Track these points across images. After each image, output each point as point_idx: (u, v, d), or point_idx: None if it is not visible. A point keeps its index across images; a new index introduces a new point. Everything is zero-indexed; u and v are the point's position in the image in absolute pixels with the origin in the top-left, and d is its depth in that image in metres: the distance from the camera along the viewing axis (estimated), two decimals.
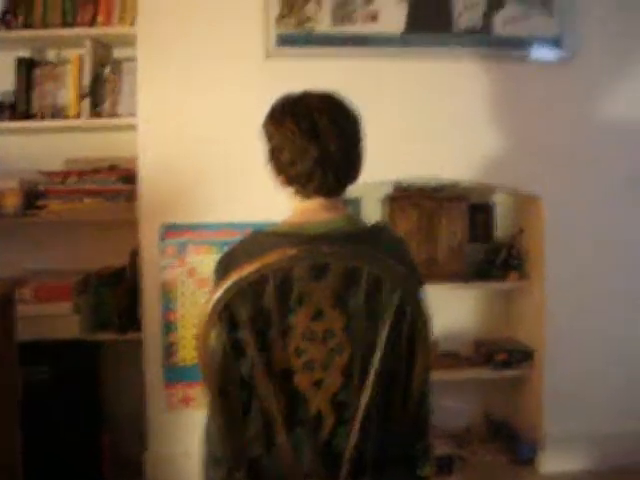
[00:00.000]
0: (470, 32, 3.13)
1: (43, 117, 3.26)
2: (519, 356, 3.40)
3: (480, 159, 3.18)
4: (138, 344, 3.14)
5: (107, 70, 3.26)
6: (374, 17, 3.08)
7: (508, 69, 3.17)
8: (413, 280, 1.62)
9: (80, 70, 3.24)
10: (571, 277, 3.25)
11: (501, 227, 3.64)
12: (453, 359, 3.48)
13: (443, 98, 3.14)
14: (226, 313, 1.54)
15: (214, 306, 1.53)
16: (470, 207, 3.54)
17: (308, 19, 3.05)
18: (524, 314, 3.52)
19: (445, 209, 3.46)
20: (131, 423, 3.28)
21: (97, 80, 3.25)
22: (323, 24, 3.06)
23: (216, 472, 1.68)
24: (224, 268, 1.61)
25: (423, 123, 3.14)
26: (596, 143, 3.26)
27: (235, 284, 1.51)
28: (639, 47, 3.27)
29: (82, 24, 3.20)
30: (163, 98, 3.06)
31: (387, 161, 2.89)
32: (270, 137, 1.71)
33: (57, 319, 3.18)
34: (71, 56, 3.28)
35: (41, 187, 3.28)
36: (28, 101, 3.26)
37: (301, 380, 1.59)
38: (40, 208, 3.25)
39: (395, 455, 1.67)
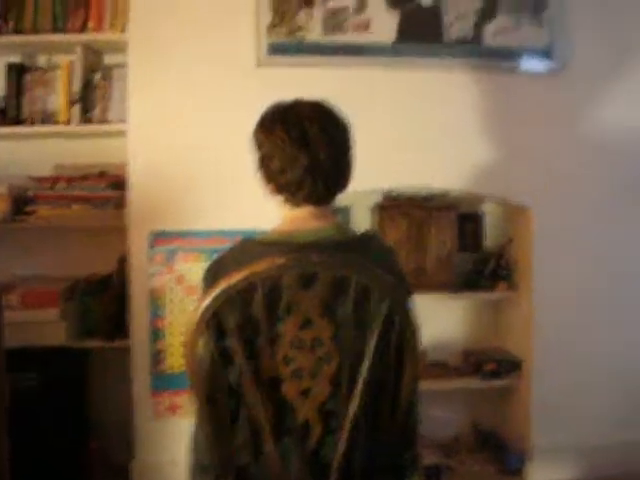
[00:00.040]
0: (461, 42, 3.14)
1: (33, 123, 3.24)
2: (508, 366, 3.40)
3: (470, 169, 3.19)
4: (126, 351, 3.12)
5: (98, 76, 3.25)
6: (365, 26, 3.08)
7: (498, 80, 3.18)
8: (402, 290, 1.62)
9: (70, 76, 3.23)
10: (559, 287, 3.26)
11: (490, 237, 3.64)
12: (441, 369, 3.47)
13: (434, 108, 3.15)
14: (214, 321, 1.54)
15: (202, 314, 1.53)
16: (459, 217, 3.54)
17: (299, 28, 3.05)
18: (512, 324, 3.52)
19: (434, 218, 3.45)
20: (118, 430, 3.26)
21: (87, 86, 3.24)
22: (314, 33, 3.07)
23: None
24: (213, 276, 1.61)
25: (414, 132, 3.14)
26: (586, 154, 3.27)
27: (224, 292, 1.51)
28: (629, 59, 3.29)
29: (73, 30, 3.19)
30: (154, 105, 3.06)
31: (378, 170, 2.90)
32: (260, 145, 1.71)
33: (44, 326, 3.16)
34: (62, 62, 3.27)
35: (30, 193, 3.26)
36: (18, 106, 3.25)
37: (289, 388, 1.58)
38: (29, 214, 3.24)
39: (383, 465, 1.67)
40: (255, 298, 1.52)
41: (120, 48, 3.11)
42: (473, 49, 3.15)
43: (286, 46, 3.06)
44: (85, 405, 3.23)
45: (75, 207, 3.25)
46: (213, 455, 1.64)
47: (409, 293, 1.68)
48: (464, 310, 3.66)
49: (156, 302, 3.09)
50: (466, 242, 3.59)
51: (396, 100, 3.13)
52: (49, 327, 3.17)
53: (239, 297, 1.52)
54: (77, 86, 3.22)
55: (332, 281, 1.55)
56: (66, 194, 3.25)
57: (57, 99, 3.25)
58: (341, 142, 1.72)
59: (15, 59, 3.32)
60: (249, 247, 1.66)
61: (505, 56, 3.17)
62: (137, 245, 3.08)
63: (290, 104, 1.72)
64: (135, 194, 3.07)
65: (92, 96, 3.25)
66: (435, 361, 3.47)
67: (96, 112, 3.24)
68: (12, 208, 3.24)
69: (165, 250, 3.08)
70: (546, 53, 3.18)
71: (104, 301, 3.26)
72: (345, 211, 3.38)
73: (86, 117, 3.23)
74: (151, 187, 3.05)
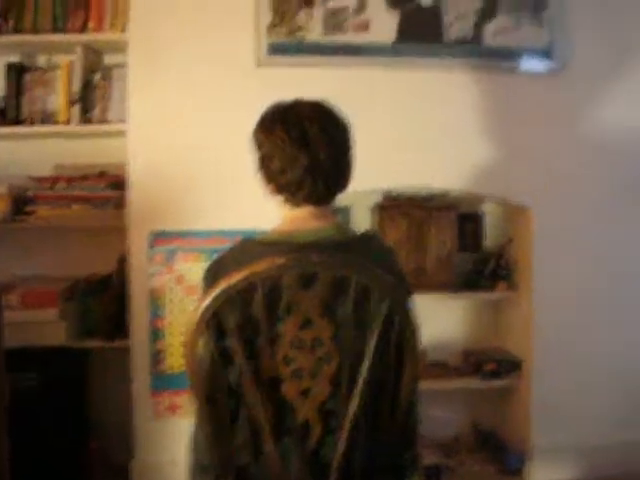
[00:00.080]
0: (461, 42, 3.14)
1: (33, 123, 3.24)
2: (508, 366, 3.40)
3: (470, 169, 3.19)
4: (126, 351, 3.12)
5: (97, 76, 3.25)
6: (365, 27, 3.08)
7: (498, 80, 3.18)
8: (401, 290, 1.62)
9: (70, 76, 3.23)
10: (559, 287, 3.25)
11: (490, 237, 3.64)
12: (441, 369, 3.47)
13: (434, 108, 3.15)
14: (214, 321, 1.54)
15: (202, 314, 1.53)
16: (459, 217, 3.53)
17: (299, 28, 3.05)
18: (512, 324, 3.52)
19: (434, 218, 3.45)
20: (118, 430, 3.26)
21: (87, 86, 3.24)
22: (314, 33, 3.07)
23: None
24: (213, 276, 1.61)
25: (414, 132, 3.14)
26: (586, 154, 3.27)
27: (224, 292, 1.51)
28: (629, 59, 3.29)
29: (73, 30, 3.19)
30: (154, 105, 3.06)
31: (378, 170, 2.90)
32: (260, 145, 1.71)
33: (44, 326, 3.16)
34: (61, 62, 3.27)
35: (30, 193, 3.26)
36: (18, 106, 3.25)
37: (289, 388, 1.58)
38: (29, 214, 3.24)
39: (383, 465, 1.67)
40: (255, 298, 1.52)
41: (120, 48, 3.11)
42: (473, 49, 3.15)
43: (286, 46, 3.06)
44: (85, 405, 3.23)
45: (75, 207, 3.25)
46: (213, 455, 1.63)
47: (409, 293, 1.67)
48: (464, 310, 3.66)
49: (156, 302, 3.09)
50: (466, 242, 3.59)
51: (396, 100, 3.13)
52: (49, 327, 3.17)
53: (239, 297, 1.52)
54: (77, 86, 3.22)
55: (332, 281, 1.55)
56: (66, 194, 3.25)
57: (57, 99, 3.25)
58: (341, 142, 1.72)
59: (15, 59, 3.32)
60: (249, 247, 1.66)
61: (505, 56, 3.17)
62: (137, 245, 3.08)
63: (290, 104, 1.72)
64: (135, 194, 3.07)
65: (92, 96, 3.24)
66: (435, 361, 3.47)
67: (96, 112, 3.24)
68: (12, 208, 3.24)
69: (165, 250, 3.07)
70: (546, 53, 3.18)
71: (104, 301, 3.26)
72: (345, 211, 3.37)
73: (86, 117, 3.23)
74: (151, 187, 3.05)
